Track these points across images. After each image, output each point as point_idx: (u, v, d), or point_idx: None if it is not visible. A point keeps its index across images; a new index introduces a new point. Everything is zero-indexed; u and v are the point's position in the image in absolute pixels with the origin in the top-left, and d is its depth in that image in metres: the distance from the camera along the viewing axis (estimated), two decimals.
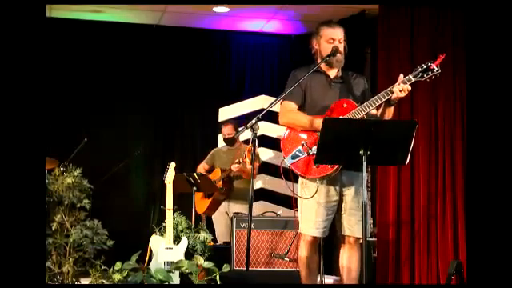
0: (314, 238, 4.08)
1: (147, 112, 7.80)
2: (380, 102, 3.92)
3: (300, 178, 4.09)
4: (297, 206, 4.19)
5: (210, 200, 6.52)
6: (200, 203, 6.58)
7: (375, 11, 6.47)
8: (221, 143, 7.82)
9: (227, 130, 6.68)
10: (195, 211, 6.13)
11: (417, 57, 5.84)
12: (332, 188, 4.01)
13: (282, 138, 4.10)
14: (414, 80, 3.87)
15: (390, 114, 4.03)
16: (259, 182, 7.63)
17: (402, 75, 3.91)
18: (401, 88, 3.84)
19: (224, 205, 6.54)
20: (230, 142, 6.64)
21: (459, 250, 5.53)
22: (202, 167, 6.75)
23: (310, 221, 4.04)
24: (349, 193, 4.03)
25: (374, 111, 4.06)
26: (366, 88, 4.19)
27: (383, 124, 3.79)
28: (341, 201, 4.05)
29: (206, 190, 6.48)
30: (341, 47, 4.09)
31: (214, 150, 6.89)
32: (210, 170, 6.72)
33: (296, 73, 4.12)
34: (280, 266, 5.65)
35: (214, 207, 6.57)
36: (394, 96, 3.87)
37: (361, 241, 3.97)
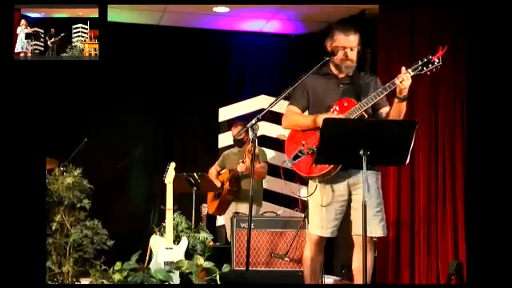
0: (320, 237, 4.08)
1: (147, 112, 7.80)
2: (377, 99, 3.89)
3: (309, 180, 4.09)
4: (299, 207, 4.20)
5: (218, 200, 6.53)
6: (211, 203, 6.62)
7: (375, 11, 6.47)
8: (221, 143, 7.83)
9: (236, 131, 6.62)
10: (195, 211, 6.13)
11: (417, 57, 5.82)
12: (339, 187, 4.00)
13: (285, 140, 4.12)
14: (412, 74, 3.84)
15: (400, 111, 3.93)
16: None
17: (403, 67, 3.88)
18: (400, 79, 3.81)
19: (233, 205, 6.52)
20: (239, 142, 6.60)
21: (459, 250, 5.53)
22: (213, 169, 6.69)
23: (317, 220, 4.04)
24: (358, 192, 3.97)
25: (386, 109, 4.04)
26: (377, 87, 4.07)
27: (383, 124, 3.79)
28: (350, 200, 4.03)
29: (206, 189, 6.48)
30: (352, 54, 4.04)
31: (225, 152, 6.83)
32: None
33: (303, 76, 4.05)
34: (280, 266, 5.65)
35: (222, 207, 6.56)
36: (398, 90, 3.84)
37: (374, 239, 4.03)
